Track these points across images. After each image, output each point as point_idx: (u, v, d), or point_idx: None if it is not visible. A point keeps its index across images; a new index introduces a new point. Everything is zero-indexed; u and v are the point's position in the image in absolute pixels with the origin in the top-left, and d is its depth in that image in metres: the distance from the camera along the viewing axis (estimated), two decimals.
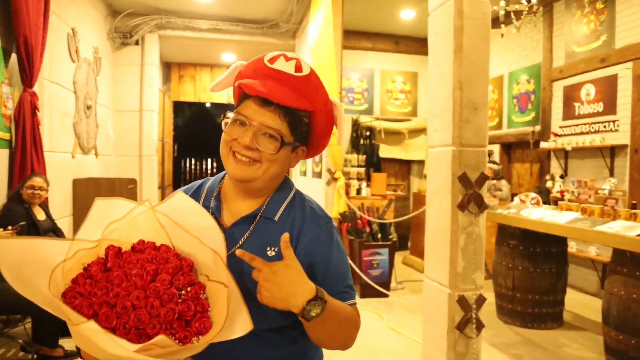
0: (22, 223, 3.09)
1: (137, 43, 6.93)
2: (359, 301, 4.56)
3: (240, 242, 0.99)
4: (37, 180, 3.46)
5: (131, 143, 6.82)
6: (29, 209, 3.41)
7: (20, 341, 3.19)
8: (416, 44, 7.73)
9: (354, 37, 7.36)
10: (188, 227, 0.89)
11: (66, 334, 3.11)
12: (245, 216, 1.01)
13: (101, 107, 6.18)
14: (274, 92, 0.93)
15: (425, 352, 2.59)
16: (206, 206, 1.03)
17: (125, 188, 5.15)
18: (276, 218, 1.01)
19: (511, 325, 3.87)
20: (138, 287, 0.78)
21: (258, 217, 1.01)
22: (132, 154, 6.83)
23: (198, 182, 1.14)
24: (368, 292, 4.61)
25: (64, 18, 4.93)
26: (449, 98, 2.42)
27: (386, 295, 4.62)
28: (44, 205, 3.64)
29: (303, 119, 0.98)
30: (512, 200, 5.35)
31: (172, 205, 0.92)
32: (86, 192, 5.00)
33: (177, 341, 0.76)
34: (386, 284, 4.66)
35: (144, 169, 6.79)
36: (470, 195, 2.35)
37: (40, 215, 3.50)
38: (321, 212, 1.05)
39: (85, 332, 0.71)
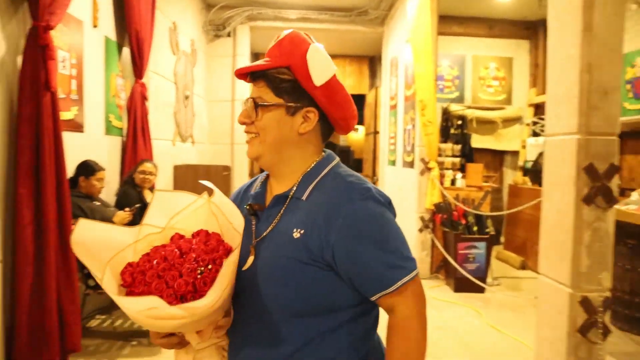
0: (137, 205, 3.31)
1: (229, 35, 7.16)
2: (453, 296, 4.41)
3: (272, 226, 0.98)
4: (147, 166, 3.68)
5: (223, 131, 7.10)
6: (140, 192, 3.65)
7: None
8: (512, 28, 7.27)
9: (445, 22, 7.04)
10: (229, 216, 0.95)
11: None
12: (277, 196, 1.00)
13: (197, 97, 6.47)
14: (244, 67, 0.99)
15: (539, 354, 2.43)
16: (254, 193, 1.07)
17: (220, 175, 5.35)
18: (304, 197, 0.98)
19: (628, 332, 3.54)
20: (167, 261, 0.88)
21: (289, 198, 0.99)
22: (225, 142, 7.10)
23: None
24: (463, 287, 4.44)
25: (166, 13, 5.19)
26: (574, 82, 2.21)
27: (482, 291, 4.42)
28: (153, 189, 3.88)
29: (278, 76, 0.97)
30: (621, 195, 4.87)
31: (219, 197, 0.98)
32: (185, 178, 5.26)
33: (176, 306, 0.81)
34: (482, 279, 4.45)
35: (235, 156, 7.04)
36: (597, 188, 2.15)
37: (149, 198, 3.73)
38: (359, 186, 0.96)
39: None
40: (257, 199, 1.05)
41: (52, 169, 2.63)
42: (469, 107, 7.17)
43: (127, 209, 3.23)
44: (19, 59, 2.58)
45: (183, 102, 5.80)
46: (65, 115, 3.13)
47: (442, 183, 4.89)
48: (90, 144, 3.53)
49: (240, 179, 6.89)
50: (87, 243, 0.92)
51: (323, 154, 1.05)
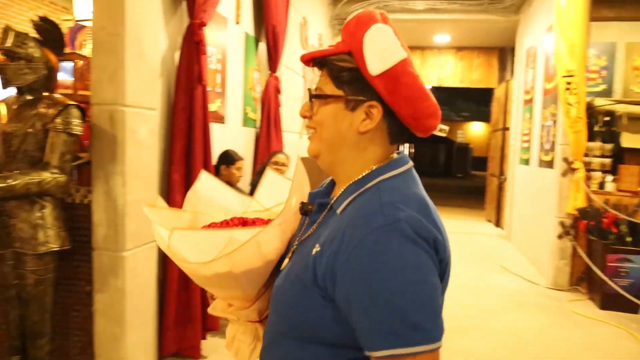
0: None
1: None
2: (599, 313, 3.93)
3: (307, 235, 0.87)
4: (280, 157, 3.79)
5: None
6: None
7: None
8: None
9: (593, 5, 6.32)
10: None
11: None
12: (318, 202, 0.88)
13: None
14: (307, 53, 0.87)
15: None
16: (315, 191, 0.96)
17: None
18: (338, 211, 0.83)
19: None
20: (228, 225, 0.98)
21: (328, 208, 0.86)
22: None
23: None
24: (611, 304, 3.94)
25: (297, 8, 5.31)
26: None
27: (636, 311, 3.88)
28: None
29: (338, 63, 0.82)
30: None
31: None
32: (310, 169, 5.31)
33: None
34: (638, 298, 3.91)
35: None
36: None
37: None
38: (389, 211, 0.74)
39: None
40: (313, 197, 0.93)
41: (200, 157, 2.81)
42: (619, 102, 6.35)
43: None
44: (177, 55, 2.79)
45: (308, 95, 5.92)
46: (210, 107, 3.32)
47: (587, 186, 4.39)
48: (229, 134, 3.73)
49: None
50: (202, 195, 1.01)
51: (394, 156, 0.87)
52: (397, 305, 0.69)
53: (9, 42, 2.08)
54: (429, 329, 0.69)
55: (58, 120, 2.11)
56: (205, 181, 1.02)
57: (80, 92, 2.64)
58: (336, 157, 0.86)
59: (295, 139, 5.41)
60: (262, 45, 4.37)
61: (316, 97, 0.85)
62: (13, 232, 2.14)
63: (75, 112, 2.16)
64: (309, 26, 5.77)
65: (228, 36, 3.62)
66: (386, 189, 0.79)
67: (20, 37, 2.12)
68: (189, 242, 0.86)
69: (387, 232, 0.71)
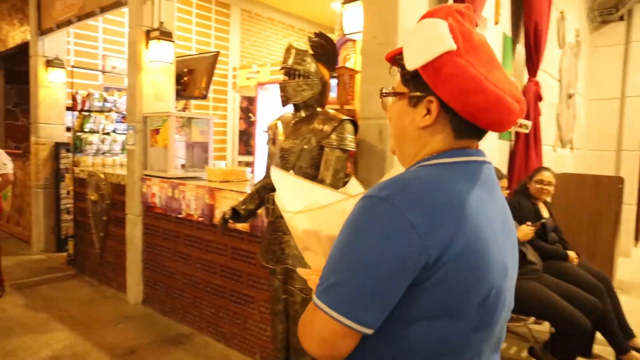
0: (542, 221, 2.89)
1: (621, 18, 5.94)
2: None
3: None
4: (546, 175, 3.20)
5: (607, 135, 5.94)
6: (535, 204, 3.20)
7: (533, 343, 3.02)
8: None
9: None
10: None
11: (586, 354, 2.72)
12: None
13: (577, 96, 5.60)
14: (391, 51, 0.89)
15: None
16: None
17: (615, 187, 4.38)
18: None
19: None
20: None
21: None
22: (606, 148, 5.95)
23: None
24: None
25: (554, 1, 4.58)
26: None
27: None
28: (548, 202, 3.37)
29: (400, 61, 0.82)
30: None
31: None
32: (567, 189, 4.53)
33: None
34: None
35: (623, 165, 5.79)
36: None
37: (544, 212, 3.24)
38: (383, 184, 0.74)
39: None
40: None
41: None
42: None
43: (528, 223, 2.85)
44: None
45: (566, 101, 5.07)
46: None
47: None
48: (485, 149, 3.31)
49: (631, 192, 5.62)
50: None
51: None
52: (336, 258, 0.74)
53: (290, 61, 2.11)
54: (340, 298, 0.71)
55: (333, 136, 2.04)
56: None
57: (347, 107, 2.59)
58: (402, 153, 0.87)
59: (548, 153, 4.65)
60: (519, 47, 3.83)
61: (383, 95, 0.89)
62: (286, 248, 2.14)
63: (349, 127, 2.06)
64: (566, 21, 4.95)
65: (487, 38, 3.23)
66: (409, 171, 0.79)
67: (300, 54, 2.13)
68: (284, 184, 0.93)
69: (365, 200, 0.74)
